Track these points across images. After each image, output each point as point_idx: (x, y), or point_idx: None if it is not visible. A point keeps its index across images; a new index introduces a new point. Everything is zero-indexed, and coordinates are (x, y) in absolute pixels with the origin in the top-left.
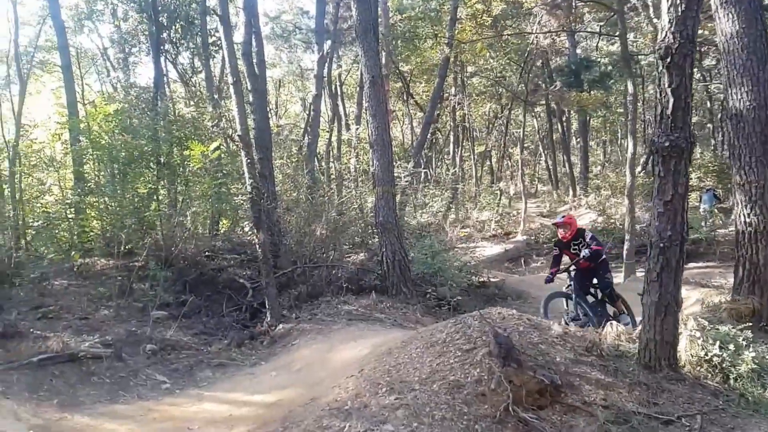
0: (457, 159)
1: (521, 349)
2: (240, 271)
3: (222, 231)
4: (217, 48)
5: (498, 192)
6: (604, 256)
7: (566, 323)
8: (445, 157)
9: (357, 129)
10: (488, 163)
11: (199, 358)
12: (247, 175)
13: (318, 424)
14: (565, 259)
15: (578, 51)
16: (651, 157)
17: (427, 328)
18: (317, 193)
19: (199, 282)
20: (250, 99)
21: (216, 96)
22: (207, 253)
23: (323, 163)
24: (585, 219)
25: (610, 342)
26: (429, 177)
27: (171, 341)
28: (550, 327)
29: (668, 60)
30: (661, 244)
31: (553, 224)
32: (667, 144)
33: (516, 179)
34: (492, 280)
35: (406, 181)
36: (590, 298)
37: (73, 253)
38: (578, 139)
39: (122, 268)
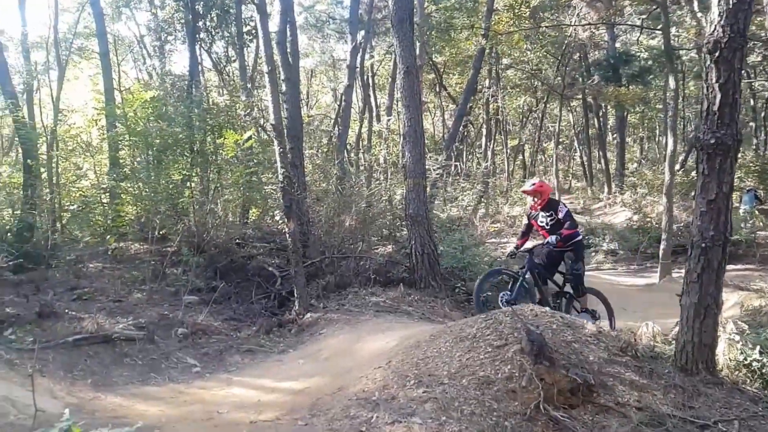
0: (489, 153)
1: (554, 347)
2: (269, 259)
3: (252, 219)
4: (251, 37)
5: None
6: (578, 238)
7: (501, 305)
8: (477, 150)
9: (388, 120)
10: (521, 157)
11: (229, 344)
12: (279, 164)
13: (345, 414)
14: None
15: (617, 45)
16: (696, 155)
17: (456, 322)
18: (347, 184)
19: (229, 269)
20: (283, 88)
21: (249, 85)
22: (237, 241)
23: (352, 154)
24: (620, 217)
25: (645, 343)
26: (459, 170)
27: (202, 326)
28: (584, 326)
29: (716, 54)
30: (703, 244)
31: (522, 192)
32: (712, 141)
33: (550, 174)
34: None
35: (437, 174)
36: (552, 287)
37: (108, 237)
38: (615, 135)
39: (155, 252)
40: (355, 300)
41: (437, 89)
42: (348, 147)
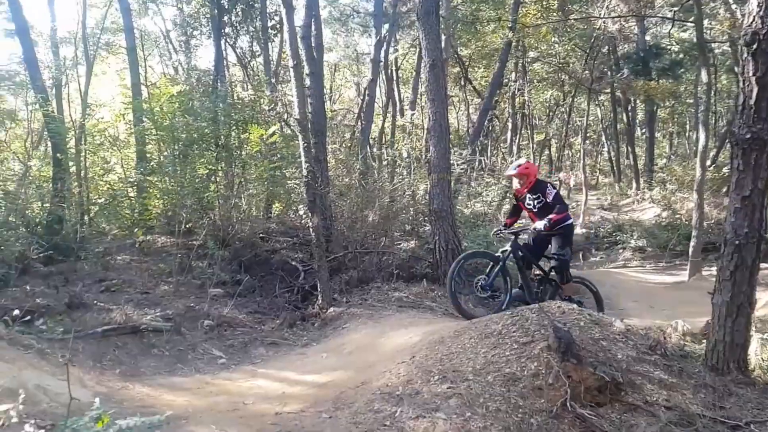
0: (515, 147)
1: (581, 344)
2: (292, 253)
3: (275, 214)
4: (275, 32)
5: (557, 182)
6: (568, 222)
7: (476, 291)
8: (502, 145)
9: (412, 114)
10: (547, 152)
11: (253, 336)
12: (303, 158)
13: (369, 407)
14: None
15: (647, 38)
16: (730, 150)
17: (481, 318)
18: (370, 179)
19: (253, 263)
20: (308, 83)
21: (273, 80)
22: (261, 235)
23: (375, 149)
24: (649, 213)
25: (674, 341)
26: (484, 165)
27: (227, 318)
28: (612, 323)
29: (754, 46)
30: (737, 242)
31: (506, 175)
32: (748, 136)
33: (576, 170)
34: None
35: (461, 169)
36: (536, 272)
37: (136, 230)
38: (644, 130)
39: (182, 246)
40: (377, 295)
41: (462, 83)
42: (371, 141)
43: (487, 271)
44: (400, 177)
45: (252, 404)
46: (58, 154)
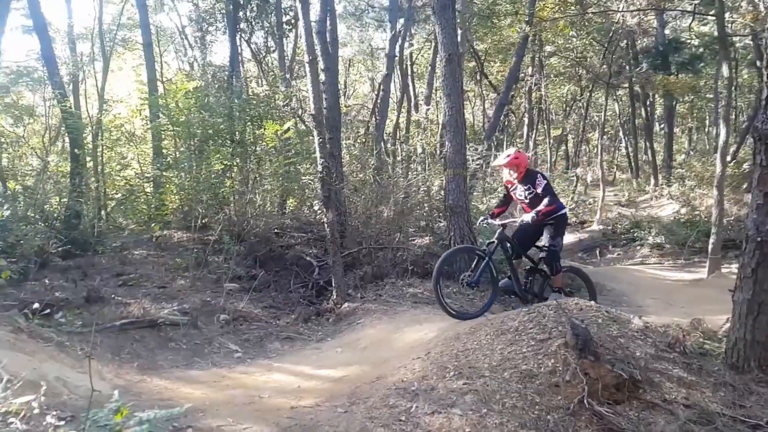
0: (531, 143)
1: (599, 341)
2: (306, 249)
3: (289, 210)
4: (290, 27)
5: (574, 178)
6: (561, 212)
7: (461, 287)
8: (518, 140)
9: (427, 109)
10: (564, 147)
11: (269, 331)
12: (318, 154)
13: (384, 402)
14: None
15: (666, 31)
16: (753, 145)
17: (497, 315)
18: (384, 174)
19: (268, 258)
20: (323, 78)
21: (288, 76)
22: (276, 231)
23: (389, 144)
24: (667, 210)
25: (694, 339)
26: None
27: (242, 312)
28: (630, 320)
29: None
30: (759, 238)
31: (495, 166)
32: None
33: (594, 166)
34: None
35: (477, 165)
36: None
37: (153, 224)
38: (662, 126)
39: (198, 241)
40: (392, 291)
41: (478, 77)
42: (385, 137)
43: (473, 266)
44: (415, 173)
45: (268, 398)
46: (76, 150)
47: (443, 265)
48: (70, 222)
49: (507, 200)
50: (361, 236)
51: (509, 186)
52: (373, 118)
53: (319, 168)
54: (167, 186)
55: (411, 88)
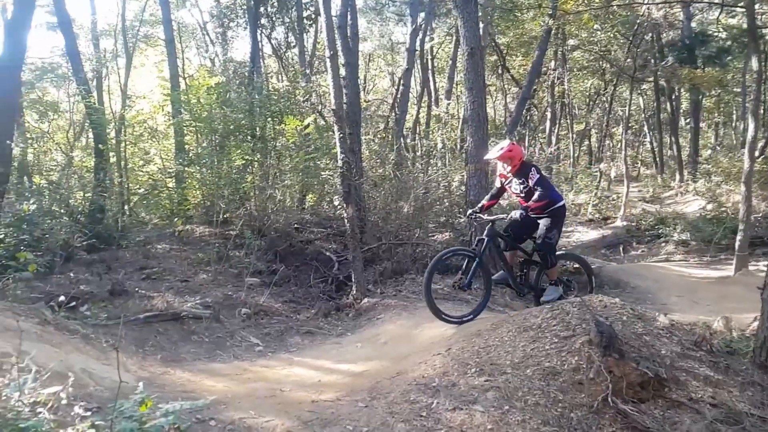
0: (554, 138)
1: (624, 339)
2: (326, 244)
3: (309, 205)
4: (311, 22)
5: (597, 174)
6: (558, 205)
7: (454, 290)
8: (540, 135)
9: (448, 104)
10: (587, 142)
11: (289, 325)
12: (338, 149)
13: (405, 398)
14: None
15: (693, 24)
16: None
17: (519, 312)
18: (404, 169)
19: (288, 253)
20: (343, 73)
21: (308, 71)
22: (295, 226)
23: (409, 139)
24: (693, 206)
25: (721, 337)
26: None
27: (263, 307)
28: (656, 318)
29: None
30: None
31: (486, 159)
32: None
33: (617, 161)
34: None
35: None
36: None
37: (176, 219)
38: (688, 120)
39: (219, 235)
40: (412, 286)
41: (500, 71)
42: (405, 132)
43: (464, 268)
44: (435, 168)
45: (289, 391)
46: (100, 145)
47: (433, 270)
48: (94, 216)
49: (499, 193)
50: (380, 232)
51: (503, 179)
52: (393, 113)
53: (340, 163)
54: (189, 181)
55: (431, 82)
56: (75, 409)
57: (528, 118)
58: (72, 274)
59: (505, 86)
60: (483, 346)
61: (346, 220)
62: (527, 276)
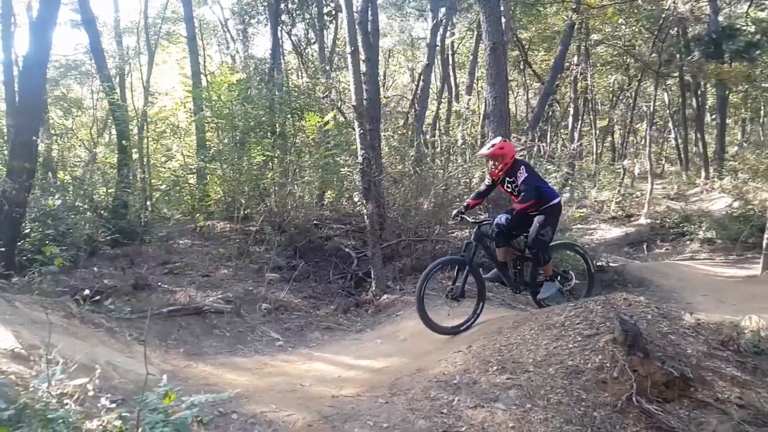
0: (576, 134)
1: (649, 338)
2: (345, 240)
3: (328, 201)
4: (331, 18)
5: (620, 170)
6: (553, 202)
7: (448, 303)
8: (562, 131)
9: (468, 99)
10: (610, 138)
11: (309, 320)
12: (358, 145)
13: (425, 395)
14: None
15: (720, 18)
16: None
17: (541, 309)
18: (425, 166)
19: (307, 249)
20: (363, 69)
21: (328, 67)
22: (315, 222)
23: (428, 135)
24: (718, 204)
25: (749, 337)
26: (543, 152)
27: (283, 302)
28: (681, 317)
29: None
30: None
31: (478, 155)
32: None
33: (641, 157)
34: (611, 264)
35: (520, 156)
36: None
37: (197, 215)
38: (714, 116)
39: (240, 231)
40: (432, 283)
41: (521, 67)
42: (425, 128)
43: (455, 276)
44: (455, 164)
45: (309, 386)
46: (123, 141)
47: (424, 283)
48: (117, 212)
49: (485, 192)
50: (399, 228)
51: (494, 178)
52: (413, 110)
53: (360, 159)
54: (211, 177)
55: (452, 78)
56: (101, 401)
57: (550, 113)
58: (96, 269)
59: (527, 81)
60: (505, 344)
61: (365, 217)
62: (522, 272)
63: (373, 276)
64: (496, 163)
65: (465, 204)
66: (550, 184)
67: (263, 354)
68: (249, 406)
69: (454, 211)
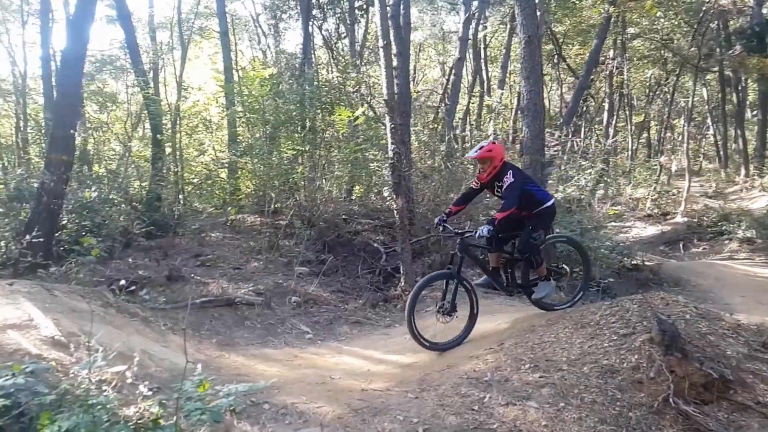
0: (611, 129)
1: (687, 338)
2: (373, 235)
3: (356, 196)
4: (362, 12)
5: (657, 167)
6: (545, 206)
7: (438, 320)
8: (596, 126)
9: (501, 94)
10: (646, 135)
11: (337, 314)
12: (389, 140)
13: (456, 391)
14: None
15: (764, 10)
16: None
17: (576, 308)
18: (455, 161)
19: (336, 243)
20: (395, 63)
21: (358, 62)
22: (344, 217)
23: (458, 130)
24: (759, 202)
25: None
26: (577, 147)
27: (312, 295)
28: (721, 317)
29: None
30: None
31: (467, 158)
32: None
33: (679, 154)
34: (646, 263)
35: (555, 151)
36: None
37: (229, 208)
38: (755, 112)
39: (270, 225)
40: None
41: (555, 61)
42: (455, 122)
43: (444, 290)
44: None
45: (339, 379)
46: (158, 135)
47: (416, 298)
48: (151, 204)
49: (469, 197)
50: (429, 224)
51: (482, 182)
52: (443, 104)
53: (390, 154)
54: (242, 171)
55: (484, 72)
56: (140, 388)
57: (584, 108)
58: (131, 260)
59: (561, 76)
60: (537, 342)
61: (395, 212)
62: (513, 275)
63: (402, 271)
64: (485, 166)
65: (447, 211)
66: (577, 179)
67: (293, 346)
68: (280, 397)
69: (437, 219)
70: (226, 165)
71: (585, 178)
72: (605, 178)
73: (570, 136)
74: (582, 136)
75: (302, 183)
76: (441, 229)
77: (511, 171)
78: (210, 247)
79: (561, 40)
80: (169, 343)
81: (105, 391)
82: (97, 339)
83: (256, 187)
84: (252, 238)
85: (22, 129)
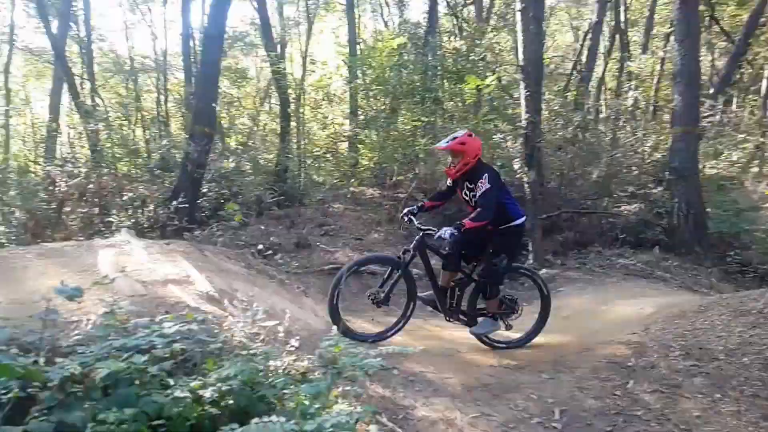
0: None
1: None
2: None
3: None
4: None
5: None
6: (515, 223)
7: (372, 302)
8: (751, 97)
9: (644, 59)
10: None
11: None
12: (523, 109)
13: (595, 375)
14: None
15: None
16: None
17: (733, 294)
18: (592, 132)
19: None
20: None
21: (487, 27)
22: None
23: (592, 99)
24: None
25: None
26: (727, 120)
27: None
28: None
29: None
30: None
31: (435, 149)
32: None
33: None
34: None
35: (708, 122)
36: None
37: (351, 180)
38: None
39: (389, 197)
40: (598, 260)
41: (707, 23)
42: (590, 90)
43: (384, 278)
44: (625, 131)
45: (465, 353)
46: (288, 109)
47: (344, 276)
48: (280, 176)
49: (446, 194)
50: (561, 199)
51: (453, 179)
52: (575, 71)
53: (523, 123)
54: (363, 144)
55: (624, 35)
56: (291, 342)
57: (738, 76)
58: (263, 227)
59: (713, 40)
60: (689, 329)
61: (525, 185)
62: (460, 299)
63: (531, 248)
64: (455, 161)
65: (420, 204)
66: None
67: (417, 317)
68: (408, 364)
69: (406, 209)
70: (347, 138)
71: (738, 154)
72: (765, 154)
73: (721, 106)
74: (734, 106)
75: (423, 156)
76: (406, 220)
77: (487, 175)
78: (333, 217)
79: (714, 1)
80: (303, 304)
81: (257, 343)
82: (246, 297)
83: (377, 160)
84: (372, 210)
85: (162, 103)
